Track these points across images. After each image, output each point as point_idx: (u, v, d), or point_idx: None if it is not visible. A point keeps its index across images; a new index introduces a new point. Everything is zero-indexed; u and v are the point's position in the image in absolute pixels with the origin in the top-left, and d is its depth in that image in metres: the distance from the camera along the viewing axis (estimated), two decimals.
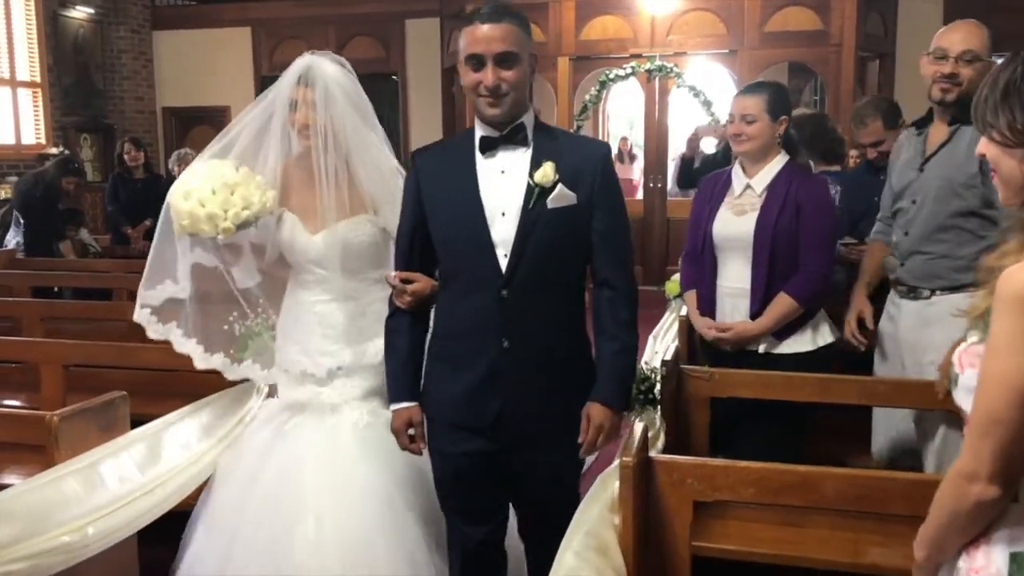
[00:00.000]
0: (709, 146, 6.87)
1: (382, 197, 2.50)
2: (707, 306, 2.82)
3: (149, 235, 6.54)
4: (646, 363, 2.95)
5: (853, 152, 4.93)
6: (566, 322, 2.08)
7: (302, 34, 10.42)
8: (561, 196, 1.98)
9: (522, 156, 2.02)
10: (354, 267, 2.50)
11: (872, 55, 8.89)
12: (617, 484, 1.93)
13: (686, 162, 5.69)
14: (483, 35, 1.94)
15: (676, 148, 9.09)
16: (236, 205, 2.33)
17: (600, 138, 11.89)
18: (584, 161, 2.02)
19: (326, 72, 2.50)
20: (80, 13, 9.83)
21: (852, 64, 8.28)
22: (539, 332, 2.03)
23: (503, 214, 2.00)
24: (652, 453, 2.00)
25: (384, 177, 2.51)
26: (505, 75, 1.95)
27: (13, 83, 9.05)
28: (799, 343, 2.73)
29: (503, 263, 1.99)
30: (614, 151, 12.29)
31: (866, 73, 9.06)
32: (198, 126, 10.86)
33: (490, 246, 1.99)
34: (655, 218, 9.28)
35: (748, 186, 2.76)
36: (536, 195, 1.98)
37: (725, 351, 2.77)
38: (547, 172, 1.97)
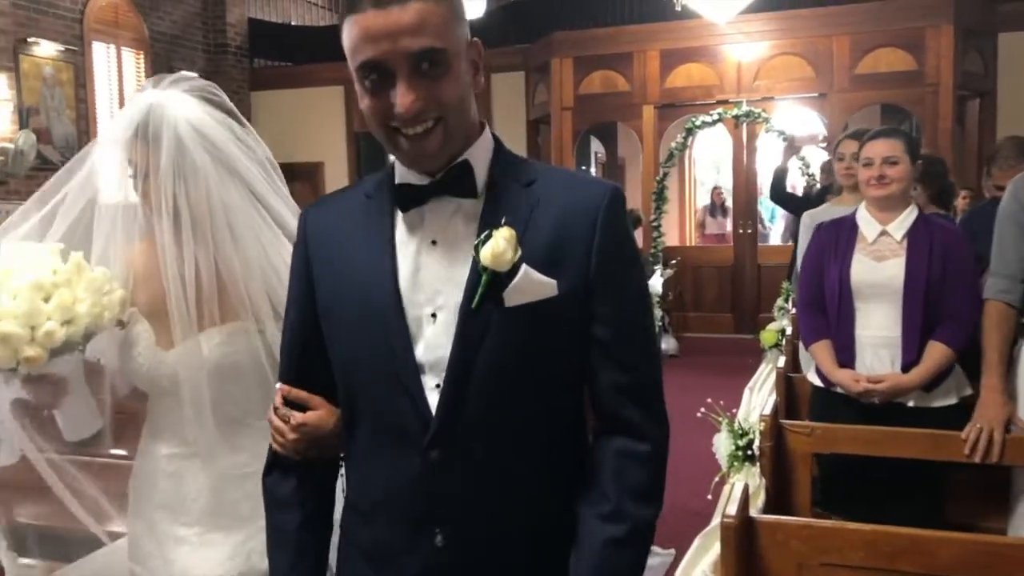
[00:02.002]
0: (813, 158, 6.66)
1: (270, 299, 1.67)
2: (845, 357, 2.69)
3: None
4: (744, 419, 2.87)
5: (963, 192, 4.80)
6: (547, 498, 1.25)
7: None
8: (528, 285, 1.17)
9: (466, 216, 1.22)
10: (228, 403, 1.67)
11: (971, 94, 8.63)
12: (717, 545, 1.88)
13: (780, 174, 5.57)
14: (380, 27, 1.12)
15: (766, 193, 8.96)
16: (52, 318, 1.54)
17: (687, 185, 11.79)
18: (572, 218, 1.20)
19: (177, 117, 1.64)
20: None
21: (951, 104, 8.05)
22: (496, 519, 1.22)
23: (433, 316, 1.20)
24: (752, 512, 1.94)
25: (274, 270, 1.66)
26: (432, 89, 1.14)
27: None
28: (946, 396, 2.62)
29: (431, 400, 1.19)
30: (705, 201, 12.07)
31: (965, 113, 8.79)
32: (294, 182, 11.16)
33: (410, 372, 1.19)
34: (746, 265, 9.13)
35: (884, 232, 2.67)
36: (485, 284, 1.17)
37: (838, 405, 2.67)
38: (502, 245, 1.15)
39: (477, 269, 1.18)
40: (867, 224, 2.70)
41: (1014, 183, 2.57)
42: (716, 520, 1.89)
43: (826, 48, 8.53)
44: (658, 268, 8.10)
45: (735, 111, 8.65)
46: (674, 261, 8.71)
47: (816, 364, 2.77)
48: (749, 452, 2.47)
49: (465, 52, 1.21)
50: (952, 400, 2.61)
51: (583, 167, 11.18)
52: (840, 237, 2.73)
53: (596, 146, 11.97)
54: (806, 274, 2.83)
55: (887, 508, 2.48)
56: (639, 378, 1.25)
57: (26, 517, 2.84)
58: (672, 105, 9.12)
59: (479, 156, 1.24)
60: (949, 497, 2.73)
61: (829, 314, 2.72)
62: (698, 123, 8.71)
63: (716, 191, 11.61)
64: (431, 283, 1.22)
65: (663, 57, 8.96)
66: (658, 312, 7.78)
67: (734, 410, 2.74)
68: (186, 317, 1.63)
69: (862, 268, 2.65)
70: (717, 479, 2.48)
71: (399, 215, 1.25)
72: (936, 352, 2.56)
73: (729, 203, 10.97)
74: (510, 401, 1.20)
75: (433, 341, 1.20)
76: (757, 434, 2.47)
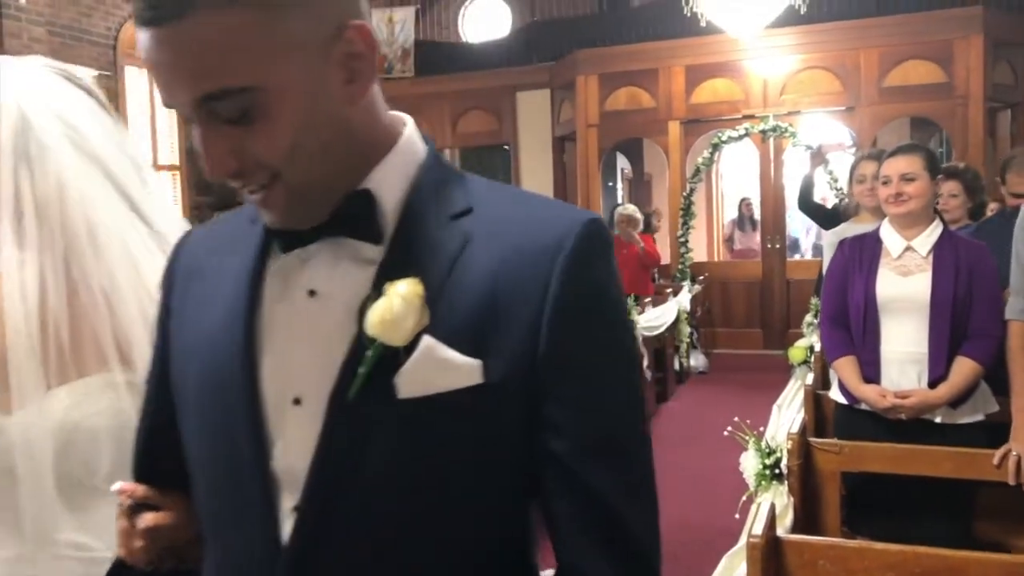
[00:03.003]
0: (840, 167, 6.56)
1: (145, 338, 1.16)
2: (870, 372, 2.67)
3: None
4: (771, 437, 2.85)
5: (994, 205, 4.73)
6: None
7: (419, 109, 10.83)
8: (434, 368, 0.80)
9: (364, 260, 0.84)
10: (78, 469, 1.19)
11: (1002, 105, 8.53)
12: (744, 565, 1.86)
13: (807, 183, 5.53)
14: (154, 57, 0.80)
15: (794, 207, 8.90)
16: None
17: (714, 200, 11.72)
18: (518, 267, 0.82)
19: (18, 83, 1.26)
20: None
21: (981, 116, 7.96)
22: None
23: (297, 402, 0.83)
24: (780, 532, 1.92)
25: (152, 299, 1.10)
26: (244, 142, 0.79)
27: (155, 166, 9.75)
28: (973, 412, 2.59)
29: (284, 526, 0.83)
30: (732, 215, 11.95)
31: (996, 124, 8.69)
32: None
33: (256, 487, 0.83)
34: (775, 281, 9.06)
35: (909, 247, 2.66)
36: (371, 363, 0.79)
37: (862, 422, 2.64)
38: (398, 307, 0.78)
39: (361, 338, 0.79)
40: (891, 239, 2.69)
41: None
42: (743, 540, 1.88)
43: (854, 61, 8.48)
44: (686, 284, 8.06)
45: (761, 126, 8.62)
46: (702, 277, 8.67)
47: (840, 380, 2.75)
48: (777, 471, 2.45)
49: (314, 61, 0.78)
50: (979, 417, 2.58)
51: (610, 183, 11.19)
52: (864, 252, 2.72)
53: (622, 162, 11.98)
54: (830, 290, 2.82)
55: (915, 527, 2.45)
56: (613, 516, 0.83)
57: None
58: (698, 120, 9.11)
59: (388, 182, 0.85)
60: (978, 515, 2.69)
61: (854, 330, 2.70)
62: (724, 138, 8.68)
63: (745, 202, 11.38)
64: (300, 356, 0.83)
65: (688, 73, 8.96)
66: (687, 329, 7.74)
67: (761, 428, 2.72)
68: (32, 363, 1.14)
69: (887, 283, 2.63)
70: (745, 498, 2.46)
71: (276, 251, 0.87)
72: (964, 367, 2.53)
73: (758, 215, 10.90)
74: (403, 538, 0.81)
75: (294, 442, 0.82)
76: (785, 452, 2.45)
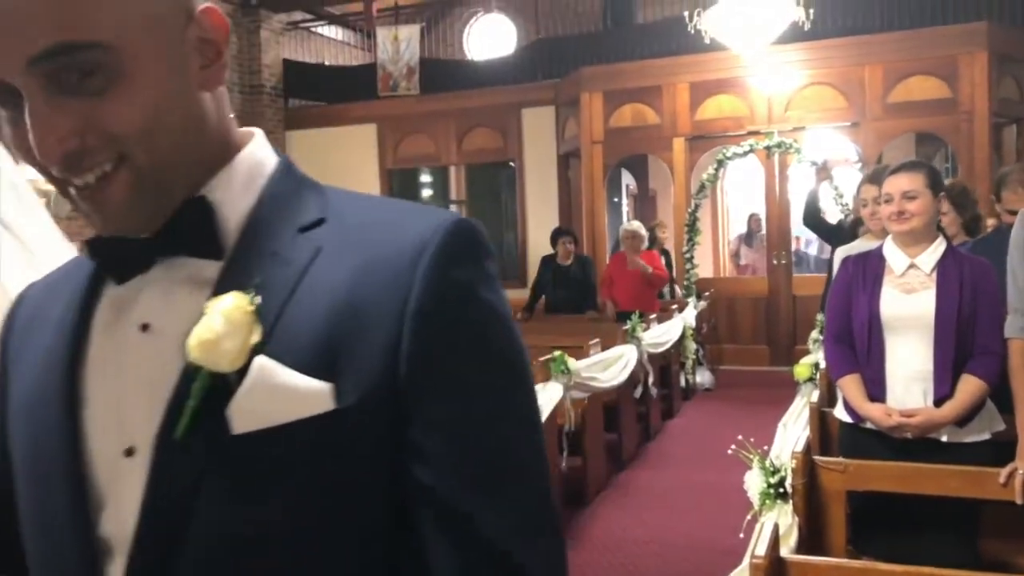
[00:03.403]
0: (842, 178, 6.54)
1: None
2: (875, 390, 2.64)
3: None
4: (776, 455, 2.82)
5: (991, 221, 4.70)
6: None
7: (424, 128, 10.88)
8: (271, 395, 0.67)
9: (199, 283, 0.73)
10: None
11: (1007, 120, 8.53)
12: None
13: (812, 198, 5.52)
14: None
15: (798, 223, 8.89)
16: None
17: (719, 215, 11.71)
18: (373, 278, 0.71)
19: None
20: None
21: (986, 131, 7.95)
22: None
23: (130, 453, 0.71)
24: (784, 552, 1.90)
25: None
26: (93, 112, 0.67)
27: None
28: (979, 431, 2.56)
29: None
30: (739, 230, 11.91)
31: (1002, 139, 8.67)
32: None
33: (80, 554, 0.72)
34: (781, 296, 9.03)
35: (912, 265, 2.64)
36: (197, 396, 0.68)
37: (867, 441, 2.62)
38: (218, 326, 0.67)
39: (189, 372, 0.68)
40: (894, 256, 2.67)
41: None
42: (747, 560, 1.85)
43: (858, 77, 8.49)
44: (691, 300, 8.04)
45: (766, 142, 8.62)
46: (707, 293, 8.64)
47: (844, 398, 2.72)
48: (781, 490, 2.42)
49: (171, 34, 0.71)
50: (985, 435, 2.55)
51: (615, 199, 11.20)
52: (867, 270, 2.70)
53: (627, 179, 12.00)
54: (833, 307, 2.80)
55: (921, 546, 2.42)
56: (505, 566, 0.69)
57: None
58: (703, 137, 9.12)
59: (230, 192, 0.76)
60: (984, 535, 2.66)
61: (858, 348, 2.67)
62: (729, 155, 8.68)
63: (754, 218, 11.31)
64: (130, 397, 0.72)
65: (693, 89, 8.98)
66: (692, 345, 7.71)
67: (766, 447, 2.69)
68: None
69: (891, 300, 2.61)
70: (749, 517, 2.43)
71: (110, 284, 0.77)
72: (970, 386, 2.50)
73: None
74: None
75: (127, 500, 0.70)
76: (789, 471, 2.42)
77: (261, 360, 0.67)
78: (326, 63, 12.76)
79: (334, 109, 11.45)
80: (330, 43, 13.41)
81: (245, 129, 0.83)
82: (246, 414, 0.67)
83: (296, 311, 0.70)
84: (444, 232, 0.72)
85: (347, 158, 11.17)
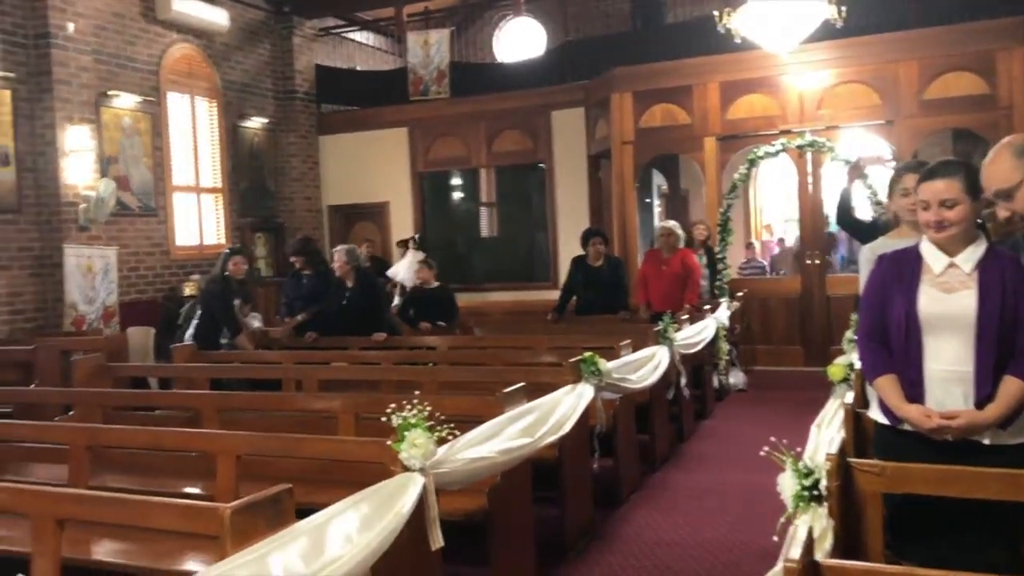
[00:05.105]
0: (876, 177, 6.40)
1: None
2: (913, 392, 2.57)
3: (302, 329, 6.92)
4: (810, 457, 2.79)
5: None
6: None
7: (454, 131, 10.93)
8: None
9: None
10: None
11: None
12: None
13: (845, 197, 5.45)
14: None
15: (833, 221, 8.79)
16: None
17: (752, 215, 11.63)
18: None
19: None
20: (255, 124, 10.73)
21: None
22: None
23: None
24: (819, 556, 1.88)
25: None
26: None
27: (197, 189, 9.93)
28: (1022, 433, 2.51)
29: None
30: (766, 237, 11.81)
31: None
32: (360, 222, 11.52)
33: None
34: (814, 296, 8.94)
35: (952, 264, 2.59)
36: None
37: (905, 443, 2.57)
38: None
39: None
40: (933, 256, 2.62)
41: None
42: (781, 563, 1.84)
43: (892, 74, 8.39)
44: (724, 300, 7.98)
45: (798, 141, 8.55)
46: (740, 293, 8.58)
47: (880, 399, 2.68)
48: (815, 492, 2.39)
49: None
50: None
51: (646, 199, 11.15)
52: (904, 269, 2.65)
53: (658, 179, 11.95)
54: (867, 306, 2.74)
55: (961, 551, 2.38)
56: None
57: (101, 555, 2.93)
58: (734, 136, 9.06)
59: None
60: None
61: (895, 348, 2.62)
62: (760, 154, 8.61)
63: (767, 227, 11.35)
64: None
65: (723, 89, 8.92)
66: (725, 346, 7.66)
67: (799, 448, 2.66)
68: None
69: (930, 300, 2.56)
70: (783, 519, 2.41)
71: None
72: (1013, 387, 2.45)
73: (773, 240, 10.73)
74: None
75: None
76: (824, 473, 2.40)
77: None
78: (358, 68, 12.86)
79: (366, 113, 11.54)
80: (361, 48, 13.50)
81: None
82: None
83: None
84: None
85: (379, 161, 11.26)
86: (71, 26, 7.95)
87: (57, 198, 7.81)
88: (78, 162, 7.95)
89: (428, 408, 2.87)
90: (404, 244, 10.60)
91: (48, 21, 7.76)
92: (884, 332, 2.67)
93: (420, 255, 10.45)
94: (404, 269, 9.26)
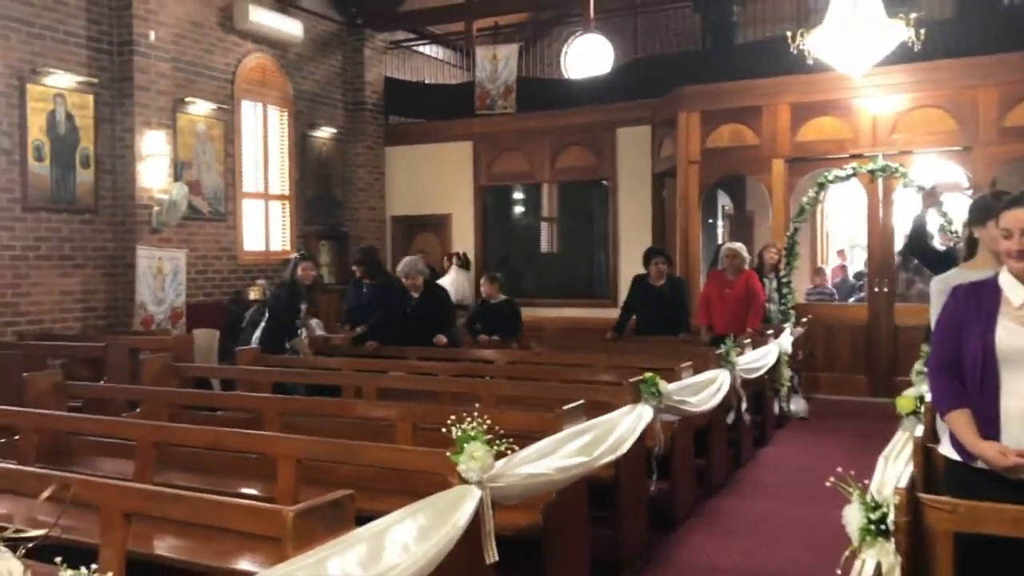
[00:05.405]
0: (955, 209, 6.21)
1: None
2: (988, 428, 2.50)
3: (361, 339, 7.00)
4: (877, 490, 2.72)
5: None
6: None
7: (519, 145, 10.98)
8: None
9: None
10: None
11: None
12: None
13: (918, 224, 5.30)
14: None
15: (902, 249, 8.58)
16: None
17: (818, 239, 11.44)
18: None
19: None
20: (324, 133, 10.93)
21: None
22: None
23: None
24: None
25: None
26: None
27: (266, 196, 10.14)
28: None
29: None
30: (837, 262, 11.60)
31: None
32: (422, 232, 11.64)
33: None
34: (881, 325, 8.72)
35: None
36: None
37: (977, 480, 2.49)
38: None
39: None
40: (1012, 288, 2.54)
41: None
42: None
43: (971, 100, 8.17)
44: (788, 325, 7.83)
45: (870, 165, 8.36)
46: (805, 319, 8.40)
47: (953, 435, 2.59)
48: (883, 527, 2.32)
49: None
50: None
51: (710, 220, 11.04)
52: (981, 301, 2.57)
53: (723, 200, 11.82)
54: (940, 339, 2.67)
55: None
56: None
57: (163, 550, 2.99)
58: (803, 159, 8.91)
59: None
60: None
61: (969, 382, 2.54)
62: (831, 177, 8.45)
63: (840, 252, 10.99)
64: None
65: (794, 110, 8.79)
66: (787, 372, 7.51)
67: (866, 480, 2.60)
68: None
69: (1008, 334, 2.48)
70: (847, 553, 2.34)
71: None
72: None
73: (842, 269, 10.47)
74: None
75: None
76: (892, 508, 2.33)
77: None
78: (426, 81, 13.02)
79: (432, 126, 11.67)
80: (430, 62, 13.67)
81: None
82: None
83: None
84: None
85: (443, 174, 11.36)
86: (153, 34, 8.22)
87: (132, 200, 8.06)
88: (153, 166, 8.20)
89: (487, 421, 2.88)
90: (451, 258, 10.71)
91: (132, 29, 8.03)
92: (958, 365, 2.59)
93: (464, 272, 10.55)
94: (448, 285, 9.30)
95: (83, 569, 1.88)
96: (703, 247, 9.59)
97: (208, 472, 3.98)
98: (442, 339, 6.70)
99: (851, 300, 10.08)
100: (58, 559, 1.92)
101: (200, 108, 9.03)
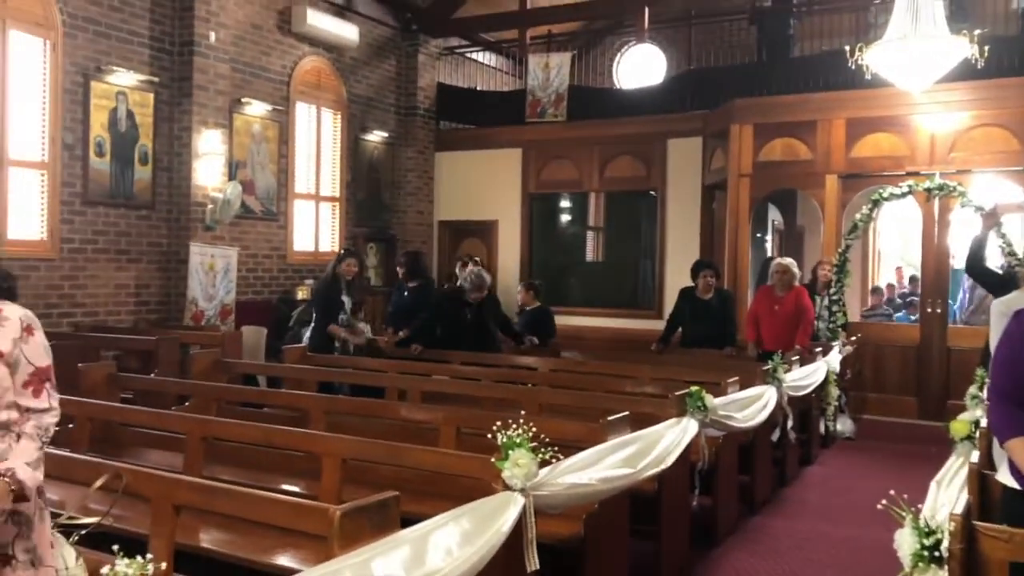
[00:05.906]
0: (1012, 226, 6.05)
1: None
2: None
3: (404, 343, 7.04)
4: (930, 516, 2.65)
5: None
6: None
7: (568, 154, 10.97)
8: None
9: None
10: None
11: None
12: None
13: (978, 244, 5.16)
14: None
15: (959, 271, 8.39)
16: None
17: (870, 258, 11.23)
18: None
19: None
20: (376, 137, 11.04)
21: None
22: None
23: None
24: None
25: None
26: None
27: (317, 197, 10.27)
28: None
29: None
30: (890, 279, 11.34)
31: None
32: (469, 238, 11.68)
33: None
34: (934, 346, 8.52)
35: None
36: None
37: None
38: None
39: None
40: None
41: None
42: None
43: None
44: (837, 344, 7.70)
45: (927, 183, 8.19)
46: (854, 338, 8.25)
47: (1012, 463, 2.52)
48: (936, 553, 2.27)
49: None
50: None
51: (759, 234, 10.91)
52: None
53: (774, 214, 11.66)
54: (1001, 363, 2.60)
55: None
56: None
57: (208, 543, 3.04)
58: (857, 175, 8.77)
59: None
60: None
61: None
62: (885, 195, 8.29)
63: (898, 270, 10.68)
64: None
65: (849, 126, 8.66)
66: (835, 391, 7.37)
67: (919, 505, 2.54)
68: None
69: None
70: None
71: None
72: None
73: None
74: None
75: None
76: (946, 534, 2.27)
77: None
78: (478, 88, 13.08)
79: (483, 132, 11.72)
80: (482, 68, 13.74)
81: None
82: None
83: None
84: None
85: (492, 180, 11.40)
86: (213, 35, 8.38)
87: (187, 198, 8.22)
88: (209, 165, 8.35)
89: (533, 429, 2.87)
90: (465, 261, 10.71)
91: (194, 30, 8.20)
92: (1019, 391, 2.52)
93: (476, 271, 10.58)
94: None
95: (139, 558, 1.91)
96: (752, 261, 9.47)
97: (251, 468, 4.03)
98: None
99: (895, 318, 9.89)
100: (115, 547, 1.96)
101: (256, 109, 9.18)
